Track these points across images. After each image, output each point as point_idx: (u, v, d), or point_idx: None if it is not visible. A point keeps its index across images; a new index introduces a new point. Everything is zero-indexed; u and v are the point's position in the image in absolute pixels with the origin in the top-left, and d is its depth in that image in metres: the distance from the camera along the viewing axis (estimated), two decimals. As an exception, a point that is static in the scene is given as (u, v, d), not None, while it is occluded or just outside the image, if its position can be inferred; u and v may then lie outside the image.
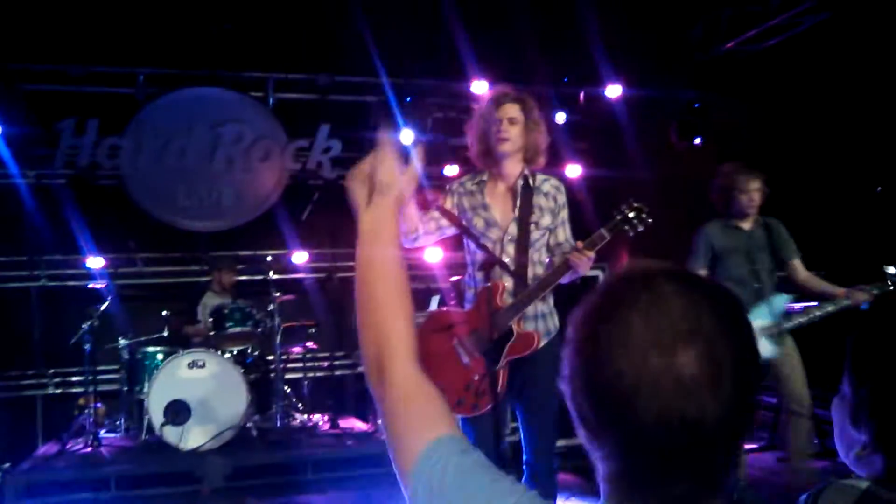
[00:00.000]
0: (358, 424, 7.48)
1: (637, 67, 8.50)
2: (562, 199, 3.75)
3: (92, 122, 7.51)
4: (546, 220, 3.68)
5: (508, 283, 3.56)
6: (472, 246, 3.60)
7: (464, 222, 3.65)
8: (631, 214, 3.42)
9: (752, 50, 7.80)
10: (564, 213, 3.76)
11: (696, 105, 8.43)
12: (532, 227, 3.63)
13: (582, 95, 8.63)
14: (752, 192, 4.92)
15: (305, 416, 7.36)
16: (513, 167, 3.73)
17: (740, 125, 8.56)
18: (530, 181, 3.70)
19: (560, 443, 6.45)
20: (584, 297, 1.08)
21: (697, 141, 8.53)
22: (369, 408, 7.59)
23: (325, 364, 8.04)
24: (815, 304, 4.86)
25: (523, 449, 3.63)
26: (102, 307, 6.81)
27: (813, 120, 7.38)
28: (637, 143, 9.30)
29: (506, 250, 3.61)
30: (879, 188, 6.86)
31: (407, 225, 3.53)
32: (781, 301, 4.87)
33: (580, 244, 3.41)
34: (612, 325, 0.99)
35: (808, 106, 7.34)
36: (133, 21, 7.40)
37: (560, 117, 8.23)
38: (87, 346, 6.65)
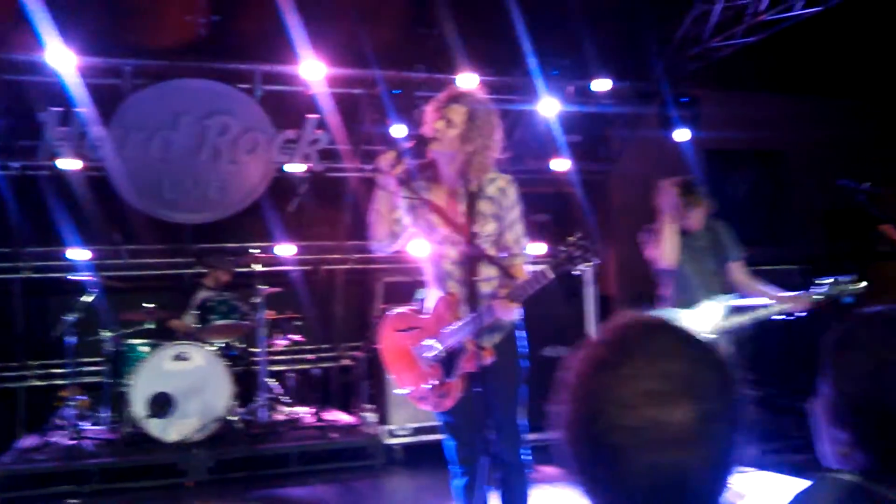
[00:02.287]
0: (342, 417, 7.46)
1: (626, 61, 8.48)
2: (508, 201, 3.47)
3: (77, 113, 7.43)
4: (489, 228, 3.44)
5: (459, 291, 3.43)
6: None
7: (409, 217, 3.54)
8: (577, 253, 3.16)
9: (740, 43, 7.78)
10: (513, 215, 3.49)
11: (685, 99, 8.43)
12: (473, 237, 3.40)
13: (572, 89, 8.58)
14: (697, 216, 5.01)
15: (290, 408, 7.33)
16: (449, 170, 3.48)
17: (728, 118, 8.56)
18: (472, 186, 3.44)
19: (545, 436, 6.44)
20: (583, 344, 1.13)
21: (686, 134, 8.53)
22: (353, 401, 7.57)
23: (311, 357, 8.01)
24: (761, 304, 4.95)
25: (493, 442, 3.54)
26: (86, 299, 6.76)
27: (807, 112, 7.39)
28: (625, 138, 9.30)
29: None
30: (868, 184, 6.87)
31: (384, 228, 3.46)
32: (726, 301, 4.96)
33: (502, 292, 3.26)
34: (610, 377, 1.03)
35: (800, 98, 7.34)
36: (120, 12, 7.34)
37: (549, 110, 8.18)
38: (71, 339, 6.60)
